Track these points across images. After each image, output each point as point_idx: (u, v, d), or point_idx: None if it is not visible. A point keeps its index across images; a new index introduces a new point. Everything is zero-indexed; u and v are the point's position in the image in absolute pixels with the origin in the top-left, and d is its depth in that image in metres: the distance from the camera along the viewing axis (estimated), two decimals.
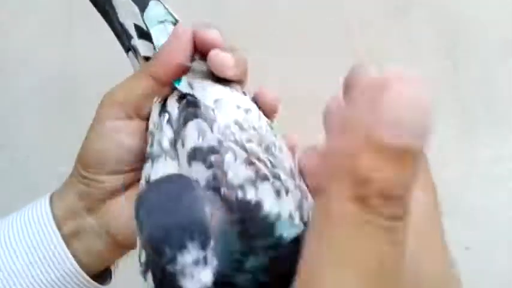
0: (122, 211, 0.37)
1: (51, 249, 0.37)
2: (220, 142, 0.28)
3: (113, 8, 0.38)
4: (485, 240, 0.88)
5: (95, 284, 0.39)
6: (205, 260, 0.22)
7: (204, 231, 0.22)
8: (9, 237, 0.38)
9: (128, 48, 0.38)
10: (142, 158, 0.34)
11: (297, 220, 0.26)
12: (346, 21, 0.87)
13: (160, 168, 0.30)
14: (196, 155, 0.27)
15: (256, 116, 0.33)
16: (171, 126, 0.31)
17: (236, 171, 0.26)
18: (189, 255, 0.21)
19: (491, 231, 0.88)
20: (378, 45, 0.86)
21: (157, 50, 0.36)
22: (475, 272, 0.88)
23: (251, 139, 0.29)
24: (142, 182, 0.32)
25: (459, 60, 0.87)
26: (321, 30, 0.85)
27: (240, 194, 0.26)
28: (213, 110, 0.31)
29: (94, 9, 0.41)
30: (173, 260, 0.21)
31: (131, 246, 0.37)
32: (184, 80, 0.35)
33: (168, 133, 0.31)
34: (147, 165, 0.31)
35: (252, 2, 0.81)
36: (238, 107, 0.32)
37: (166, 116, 0.32)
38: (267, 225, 0.25)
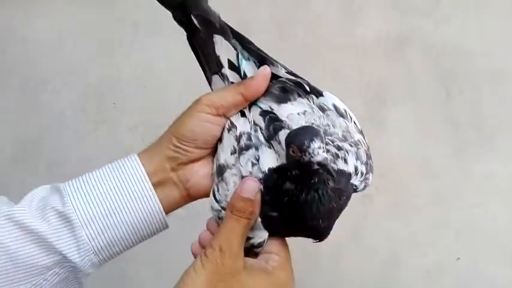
0: (197, 172, 0.52)
1: (143, 195, 0.49)
2: None
3: (213, 43, 0.52)
4: (475, 251, 0.95)
5: (167, 222, 0.52)
6: (323, 148, 0.42)
7: (321, 137, 0.42)
8: (102, 183, 0.49)
9: (215, 72, 0.52)
10: (217, 142, 0.51)
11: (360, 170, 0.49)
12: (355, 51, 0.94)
13: (264, 152, 0.48)
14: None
15: (312, 114, 0.50)
16: (260, 130, 0.50)
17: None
18: (316, 143, 0.42)
19: (481, 243, 0.95)
20: (378, 74, 0.94)
21: (245, 78, 0.52)
22: (466, 282, 0.96)
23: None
24: (225, 157, 0.50)
25: (452, 88, 0.94)
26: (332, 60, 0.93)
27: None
28: (287, 122, 0.49)
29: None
30: (309, 145, 0.42)
31: (198, 197, 0.52)
32: (262, 101, 0.51)
33: (260, 134, 0.49)
34: (250, 151, 0.48)
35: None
36: (299, 114, 0.49)
37: (247, 121, 0.50)
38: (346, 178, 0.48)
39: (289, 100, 0.50)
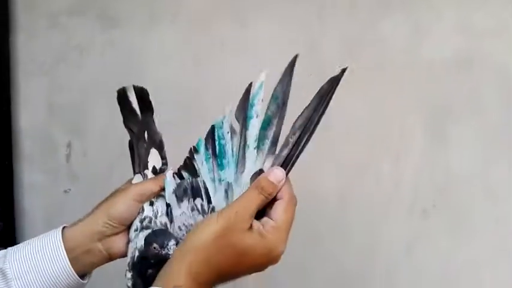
0: (118, 242, 0.64)
1: (59, 265, 0.62)
2: None
3: (149, 153, 0.69)
4: None
5: (82, 281, 0.64)
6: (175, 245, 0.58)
7: (175, 238, 0.59)
8: (32, 248, 0.62)
9: (139, 172, 0.67)
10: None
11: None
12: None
13: None
14: None
15: (185, 215, 0.63)
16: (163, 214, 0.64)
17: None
18: (171, 242, 0.58)
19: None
20: (444, 92, 0.95)
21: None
22: None
23: None
24: (131, 232, 0.63)
25: None
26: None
27: None
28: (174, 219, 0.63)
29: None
30: (167, 244, 0.58)
31: (117, 258, 0.64)
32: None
33: (159, 219, 0.64)
34: (147, 231, 0.62)
35: None
36: (180, 215, 0.62)
37: (151, 209, 0.65)
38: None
39: (181, 201, 0.62)
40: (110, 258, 0.64)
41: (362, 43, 0.98)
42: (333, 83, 0.58)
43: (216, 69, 1.06)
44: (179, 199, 0.62)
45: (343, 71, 0.58)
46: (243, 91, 0.61)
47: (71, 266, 0.62)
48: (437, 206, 0.95)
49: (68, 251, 0.62)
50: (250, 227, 0.56)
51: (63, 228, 0.65)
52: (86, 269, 0.64)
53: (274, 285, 0.98)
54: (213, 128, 0.64)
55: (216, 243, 0.54)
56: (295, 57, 0.60)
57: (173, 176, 0.64)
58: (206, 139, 0.64)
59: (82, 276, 0.64)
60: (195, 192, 0.61)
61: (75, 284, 0.63)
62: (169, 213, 0.62)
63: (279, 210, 0.57)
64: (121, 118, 1.11)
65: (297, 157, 0.59)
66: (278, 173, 0.57)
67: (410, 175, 0.96)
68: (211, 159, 0.63)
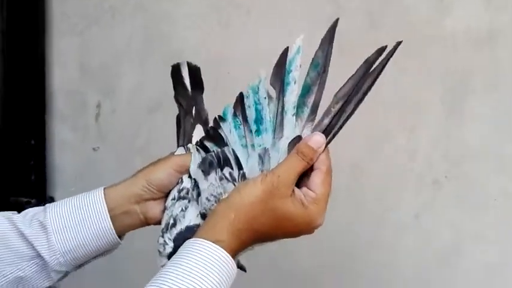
0: (154, 207, 0.66)
1: (99, 218, 0.64)
2: None
3: (194, 128, 0.70)
4: None
5: (118, 240, 0.66)
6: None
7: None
8: (72, 204, 0.65)
9: (182, 145, 0.69)
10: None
11: None
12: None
13: (192, 206, 0.63)
14: None
15: (213, 186, 0.63)
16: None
17: None
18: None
19: None
20: (464, 65, 0.96)
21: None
22: None
23: None
24: (167, 201, 0.65)
25: None
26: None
27: None
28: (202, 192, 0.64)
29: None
30: None
31: (152, 224, 0.66)
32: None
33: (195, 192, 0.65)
34: (184, 201, 0.64)
35: None
36: (208, 187, 0.62)
37: (190, 181, 0.65)
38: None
39: (208, 174, 0.62)
40: (146, 222, 0.66)
41: (385, 14, 0.99)
42: (385, 55, 0.57)
43: (242, 36, 1.09)
44: (206, 173, 0.62)
45: (398, 44, 0.57)
46: (276, 56, 0.61)
47: (111, 224, 0.64)
48: (449, 177, 0.97)
49: (108, 210, 0.64)
50: (292, 193, 0.56)
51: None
52: (123, 229, 0.66)
53: (285, 251, 1.02)
54: (241, 95, 0.63)
55: (259, 205, 0.55)
56: (336, 21, 0.59)
57: (197, 150, 0.65)
58: (235, 106, 0.63)
59: (118, 237, 0.66)
60: (222, 162, 0.61)
61: (111, 243, 0.65)
62: (195, 188, 0.63)
63: (317, 181, 0.57)
64: (149, 80, 1.16)
65: (340, 128, 0.58)
66: (318, 138, 0.57)
67: (425, 147, 0.98)
68: (241, 126, 0.62)
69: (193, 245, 0.54)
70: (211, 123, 0.67)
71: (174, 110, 0.72)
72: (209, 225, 0.57)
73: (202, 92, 0.71)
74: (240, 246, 0.56)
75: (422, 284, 1.01)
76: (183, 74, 0.71)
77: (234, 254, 0.55)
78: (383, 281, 1.03)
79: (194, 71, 0.71)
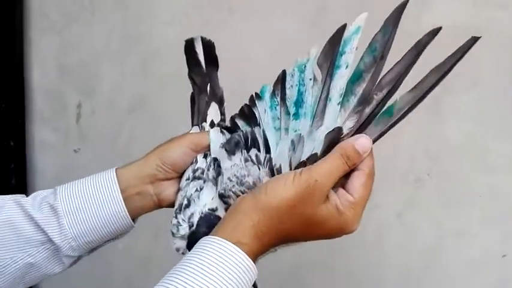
0: (168, 188, 0.62)
1: (112, 198, 0.61)
2: None
3: (209, 106, 0.67)
4: None
5: (132, 222, 0.62)
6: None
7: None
8: (84, 186, 0.61)
9: (197, 124, 0.66)
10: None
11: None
12: None
13: (207, 186, 0.60)
14: None
15: (237, 166, 0.59)
16: (212, 168, 0.61)
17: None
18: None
19: None
20: None
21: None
22: (510, 281, 0.94)
23: None
24: (182, 181, 0.62)
25: None
26: None
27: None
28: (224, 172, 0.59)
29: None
30: None
31: (166, 206, 0.63)
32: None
33: (211, 172, 0.61)
34: (199, 181, 0.60)
35: None
36: (231, 166, 0.58)
37: (205, 160, 0.62)
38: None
39: (233, 154, 0.58)
40: (159, 204, 0.63)
41: (366, 8, 0.98)
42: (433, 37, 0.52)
43: (223, 33, 1.08)
44: (230, 152, 0.58)
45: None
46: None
47: (124, 205, 0.61)
48: (431, 175, 0.97)
49: (121, 191, 0.61)
50: (327, 198, 0.51)
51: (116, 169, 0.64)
52: (136, 211, 0.63)
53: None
54: (284, 72, 0.57)
55: (288, 209, 0.50)
56: (406, 2, 0.52)
57: (221, 132, 0.61)
58: (275, 84, 0.57)
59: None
60: (250, 143, 0.57)
61: (124, 225, 0.62)
62: (216, 167, 0.58)
63: (357, 184, 0.52)
64: (129, 80, 1.14)
65: (399, 120, 0.52)
66: (365, 142, 0.51)
67: (407, 145, 0.98)
68: (278, 107, 0.56)
69: (211, 244, 0.49)
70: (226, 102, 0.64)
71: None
72: (231, 224, 0.51)
73: (217, 69, 0.67)
74: (262, 249, 0.51)
75: (406, 281, 1.01)
76: (197, 50, 0.67)
77: (255, 258, 0.50)
78: (367, 278, 1.02)
79: (208, 47, 0.67)
